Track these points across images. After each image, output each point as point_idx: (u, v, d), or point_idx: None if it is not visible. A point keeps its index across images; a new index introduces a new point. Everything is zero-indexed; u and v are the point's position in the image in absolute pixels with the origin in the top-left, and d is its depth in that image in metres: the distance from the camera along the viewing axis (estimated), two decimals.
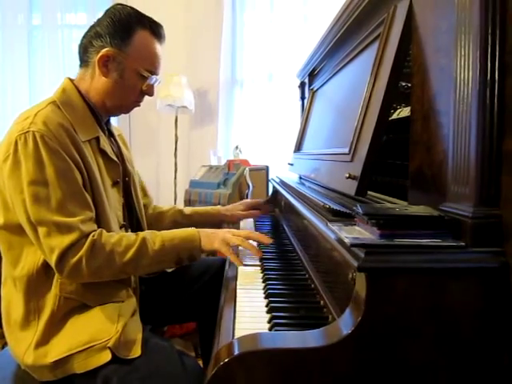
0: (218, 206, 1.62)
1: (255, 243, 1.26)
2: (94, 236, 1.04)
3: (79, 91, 1.18)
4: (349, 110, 1.15)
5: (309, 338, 0.64)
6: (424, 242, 0.66)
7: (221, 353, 0.65)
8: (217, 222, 1.59)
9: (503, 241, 0.64)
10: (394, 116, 1.05)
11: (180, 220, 1.54)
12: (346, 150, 0.99)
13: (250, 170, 2.64)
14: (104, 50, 1.14)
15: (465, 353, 0.63)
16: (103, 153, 1.18)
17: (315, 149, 1.46)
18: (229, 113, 3.36)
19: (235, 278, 1.11)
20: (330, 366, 0.62)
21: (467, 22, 0.66)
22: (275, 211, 1.97)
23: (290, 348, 0.63)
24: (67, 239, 1.00)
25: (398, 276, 0.63)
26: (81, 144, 1.09)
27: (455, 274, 0.63)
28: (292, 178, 1.82)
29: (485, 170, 0.64)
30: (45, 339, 1.04)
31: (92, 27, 1.19)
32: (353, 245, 0.66)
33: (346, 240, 0.67)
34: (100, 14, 1.21)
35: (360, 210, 0.72)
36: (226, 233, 1.20)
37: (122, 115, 1.32)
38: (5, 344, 1.17)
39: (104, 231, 1.07)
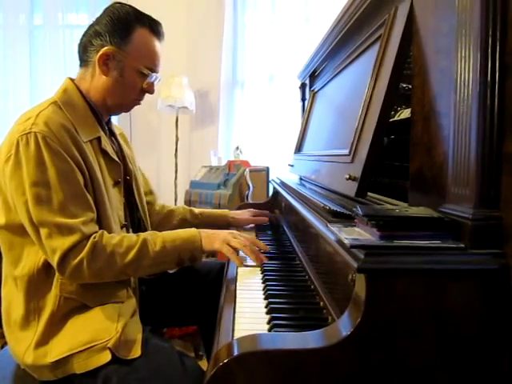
0: (227, 210, 1.63)
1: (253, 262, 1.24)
2: (95, 238, 1.04)
3: (80, 91, 1.18)
4: (349, 111, 1.15)
5: (308, 339, 0.64)
6: (424, 243, 0.66)
7: (220, 353, 0.65)
8: (224, 224, 1.60)
9: (503, 242, 0.64)
10: (395, 117, 1.05)
11: (189, 219, 1.56)
12: (347, 152, 0.99)
13: (251, 171, 2.64)
14: (104, 49, 1.15)
15: (465, 354, 0.63)
16: (104, 153, 1.18)
17: (316, 150, 1.46)
18: (229, 113, 3.37)
19: (235, 278, 1.11)
20: (329, 367, 0.62)
21: (468, 24, 0.66)
22: (275, 212, 1.97)
23: (289, 349, 0.63)
24: (68, 241, 1.00)
25: (397, 277, 0.63)
26: (82, 144, 1.09)
27: (455, 276, 0.63)
28: (292, 179, 1.82)
29: (485, 171, 0.64)
30: (45, 339, 1.04)
31: (91, 26, 1.19)
32: (352, 246, 0.66)
33: (346, 241, 0.67)
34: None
35: (360, 212, 0.72)
36: (227, 234, 1.20)
37: (123, 115, 1.33)
38: (4, 344, 1.17)
39: (105, 232, 1.07)
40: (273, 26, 3.16)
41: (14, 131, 1.05)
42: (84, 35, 1.20)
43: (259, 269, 1.18)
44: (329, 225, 0.81)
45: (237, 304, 0.94)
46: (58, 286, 1.06)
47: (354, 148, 0.96)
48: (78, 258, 1.01)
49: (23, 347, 1.05)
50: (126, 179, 1.28)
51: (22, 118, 1.08)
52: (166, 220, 1.54)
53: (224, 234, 1.20)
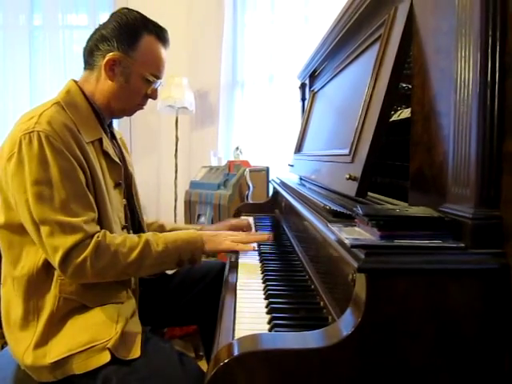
0: (202, 225, 1.60)
1: (255, 244, 1.31)
2: (98, 237, 1.04)
3: (83, 93, 1.18)
4: (349, 111, 1.15)
5: (309, 339, 0.64)
6: (424, 243, 0.66)
7: (221, 353, 0.65)
8: None
9: (503, 242, 0.64)
10: (395, 117, 1.05)
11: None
12: (347, 151, 0.99)
13: (251, 171, 2.64)
14: (111, 54, 1.15)
15: (465, 354, 0.63)
16: (106, 154, 1.18)
17: (316, 150, 1.46)
18: (229, 114, 3.36)
19: (235, 278, 1.11)
20: (329, 366, 0.62)
21: (468, 24, 0.66)
22: (276, 212, 1.97)
23: (289, 349, 0.62)
24: (71, 239, 1.00)
25: (397, 277, 0.63)
26: (85, 145, 1.09)
27: (455, 275, 0.63)
28: (292, 179, 1.82)
29: (485, 171, 0.64)
30: (44, 340, 1.04)
31: (97, 30, 1.19)
32: (353, 246, 0.66)
33: (346, 241, 0.67)
34: (101, 15, 1.23)
35: (360, 211, 0.72)
36: (227, 234, 1.24)
37: (124, 116, 1.32)
38: (4, 344, 1.17)
39: (108, 232, 1.08)
40: (273, 26, 3.16)
41: (17, 130, 1.05)
42: (90, 39, 1.20)
43: (259, 269, 1.18)
44: (329, 224, 0.81)
45: (237, 304, 0.94)
46: (58, 286, 1.06)
47: (354, 148, 0.96)
48: (82, 257, 1.01)
49: (23, 348, 1.05)
50: (126, 182, 1.29)
51: (25, 117, 1.08)
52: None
53: (224, 234, 1.24)
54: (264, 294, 1.00)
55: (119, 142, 1.34)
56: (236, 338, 0.75)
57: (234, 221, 1.56)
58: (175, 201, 3.22)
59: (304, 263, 1.17)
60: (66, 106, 1.11)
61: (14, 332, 1.09)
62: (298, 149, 1.86)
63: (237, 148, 3.03)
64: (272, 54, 3.16)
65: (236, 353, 0.62)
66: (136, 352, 1.00)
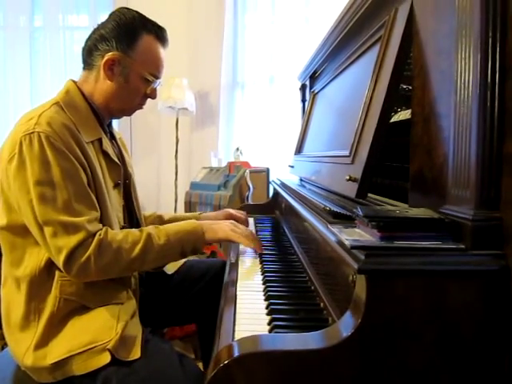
0: (198, 213, 1.55)
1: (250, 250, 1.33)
2: (100, 235, 1.04)
3: (82, 93, 1.18)
4: (350, 112, 1.15)
5: (309, 340, 0.64)
6: (424, 244, 0.66)
7: (221, 354, 0.65)
8: None
9: (503, 243, 0.64)
10: (395, 119, 1.05)
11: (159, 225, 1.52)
12: (347, 153, 0.99)
13: (251, 172, 2.64)
14: (110, 54, 1.15)
15: (465, 355, 0.63)
16: (105, 154, 1.18)
17: (316, 151, 1.46)
18: (230, 115, 3.37)
19: (235, 279, 1.11)
20: (330, 368, 0.62)
21: (468, 25, 0.67)
22: (276, 213, 1.97)
23: (289, 350, 0.62)
24: (74, 239, 1.01)
25: (398, 278, 0.63)
26: (84, 145, 1.09)
27: (455, 277, 0.63)
28: (293, 180, 1.82)
29: (485, 172, 0.64)
30: (44, 341, 1.04)
31: (96, 30, 1.19)
32: (353, 247, 0.66)
33: (347, 242, 0.67)
34: (101, 16, 1.23)
35: (360, 212, 0.72)
36: (228, 224, 1.24)
37: (124, 116, 1.33)
38: (4, 345, 1.17)
39: (109, 229, 1.08)
40: (273, 27, 3.16)
41: (17, 131, 1.05)
42: (89, 38, 1.20)
43: (259, 270, 1.18)
44: (329, 226, 0.81)
45: (237, 305, 0.94)
46: (58, 287, 1.06)
47: (354, 149, 0.96)
48: (85, 256, 1.01)
49: (23, 349, 1.05)
50: (125, 182, 1.29)
51: (24, 118, 1.08)
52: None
53: (224, 223, 1.24)
54: (264, 295, 1.00)
55: (118, 142, 1.34)
56: (236, 339, 0.75)
57: (233, 211, 1.54)
58: (175, 202, 3.22)
59: (304, 264, 1.17)
60: (66, 107, 1.11)
61: (14, 333, 1.08)
62: (299, 150, 1.86)
63: (237, 149, 3.04)
64: (272, 55, 3.16)
65: (236, 354, 0.62)
66: (136, 353, 1.00)
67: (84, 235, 1.02)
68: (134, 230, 1.13)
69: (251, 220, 1.81)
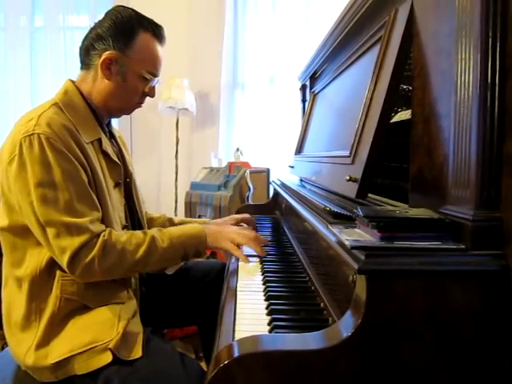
0: (206, 219, 1.57)
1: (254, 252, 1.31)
2: (104, 236, 1.05)
3: (81, 93, 1.18)
4: (350, 112, 1.15)
5: (309, 340, 0.64)
6: (424, 244, 0.66)
7: (221, 355, 0.65)
8: None
9: (504, 243, 0.64)
10: (395, 119, 1.05)
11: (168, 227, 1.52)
12: (347, 153, 0.99)
13: (251, 173, 2.64)
14: (107, 53, 1.15)
15: (465, 355, 0.63)
16: (105, 154, 1.18)
17: (316, 151, 1.46)
18: (230, 115, 3.37)
19: (235, 279, 1.11)
20: (330, 368, 0.62)
21: (468, 25, 0.67)
22: (276, 213, 1.97)
23: (290, 350, 0.63)
24: (78, 240, 1.01)
25: (398, 278, 0.63)
26: (84, 145, 1.09)
27: (456, 277, 0.64)
28: (293, 181, 1.82)
29: (485, 172, 0.64)
30: (45, 340, 1.04)
31: (93, 29, 1.19)
32: (353, 247, 0.66)
33: (347, 242, 0.67)
34: (102, 16, 1.22)
35: (360, 213, 0.72)
36: (231, 232, 1.24)
37: (124, 117, 1.32)
38: (5, 344, 1.17)
39: (113, 230, 1.09)
40: (273, 28, 3.16)
41: (16, 132, 1.05)
42: (86, 38, 1.20)
43: (260, 270, 1.18)
44: (329, 226, 0.81)
45: (237, 305, 0.94)
46: (59, 286, 1.06)
47: (354, 149, 0.96)
48: (90, 257, 1.02)
49: (24, 348, 1.05)
50: (125, 181, 1.29)
51: (24, 119, 1.08)
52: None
53: (228, 231, 1.24)
54: (264, 295, 1.00)
55: (118, 140, 1.34)
56: (236, 339, 0.75)
57: (239, 216, 1.54)
58: (176, 202, 3.23)
59: (304, 264, 1.17)
60: (64, 107, 1.11)
61: (15, 333, 1.09)
62: (299, 150, 1.86)
63: (237, 149, 3.04)
64: (273, 56, 3.16)
65: (236, 354, 0.62)
66: (137, 352, 1.00)
67: (88, 236, 1.02)
68: (138, 232, 1.13)
69: None
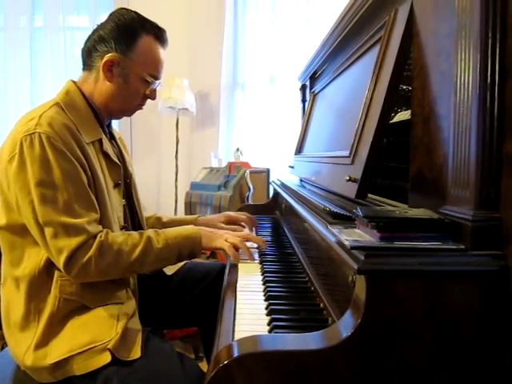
0: (197, 216, 1.55)
1: (255, 245, 1.33)
2: (101, 237, 1.05)
3: (82, 94, 1.18)
4: (349, 112, 1.15)
5: (309, 341, 0.64)
6: (424, 244, 0.66)
7: (220, 355, 0.65)
8: None
9: (503, 244, 0.64)
10: (395, 119, 1.05)
11: (158, 228, 1.51)
12: (347, 153, 0.99)
13: (251, 173, 2.65)
14: (109, 55, 1.15)
15: (465, 355, 0.63)
16: (106, 155, 1.19)
17: (316, 151, 1.46)
18: (230, 115, 3.37)
19: (235, 279, 1.11)
20: (329, 368, 0.62)
21: (468, 26, 0.67)
22: (276, 214, 1.97)
23: (289, 350, 0.63)
24: (75, 241, 1.01)
25: (397, 278, 0.63)
26: (85, 145, 1.09)
27: (455, 277, 0.64)
28: (293, 181, 1.82)
29: (485, 173, 0.64)
30: (44, 340, 1.04)
31: (95, 31, 1.19)
32: (353, 247, 0.66)
33: (346, 242, 0.67)
34: (102, 16, 1.22)
35: (360, 213, 0.72)
36: (224, 233, 1.24)
37: (124, 117, 1.33)
38: (4, 344, 1.17)
39: (110, 231, 1.09)
40: (273, 28, 3.16)
41: (17, 131, 1.05)
42: (88, 39, 1.20)
43: (259, 270, 1.18)
44: (329, 226, 0.81)
45: (237, 305, 0.94)
46: (58, 287, 1.06)
47: (354, 149, 0.96)
48: (86, 257, 1.02)
49: (23, 349, 1.05)
50: (126, 182, 1.29)
51: (25, 118, 1.08)
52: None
53: (221, 232, 1.25)
54: (264, 295, 1.00)
55: (118, 142, 1.34)
56: (236, 339, 0.75)
57: (233, 213, 1.55)
58: (175, 202, 3.23)
59: (304, 265, 1.17)
60: (66, 107, 1.11)
61: (14, 333, 1.09)
62: (299, 150, 1.86)
63: (237, 149, 3.04)
64: (273, 56, 3.16)
65: (236, 354, 0.62)
66: (136, 352, 1.00)
67: (85, 237, 1.02)
68: (134, 233, 1.13)
69: None
